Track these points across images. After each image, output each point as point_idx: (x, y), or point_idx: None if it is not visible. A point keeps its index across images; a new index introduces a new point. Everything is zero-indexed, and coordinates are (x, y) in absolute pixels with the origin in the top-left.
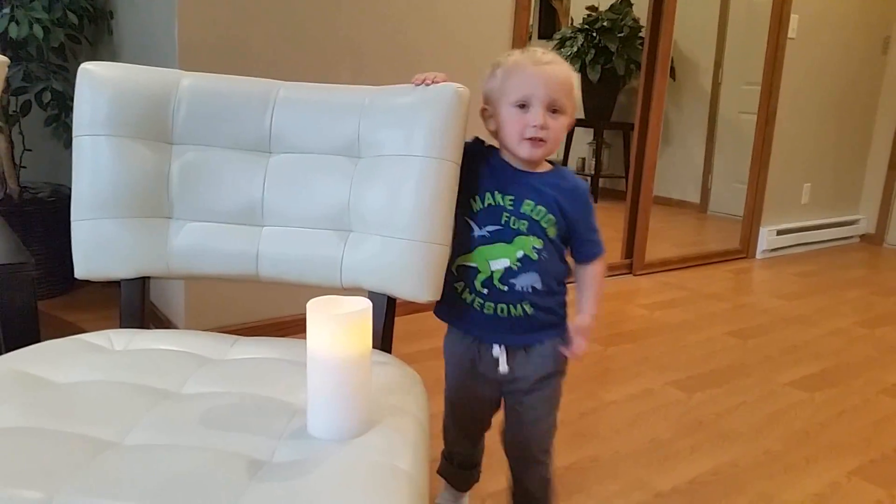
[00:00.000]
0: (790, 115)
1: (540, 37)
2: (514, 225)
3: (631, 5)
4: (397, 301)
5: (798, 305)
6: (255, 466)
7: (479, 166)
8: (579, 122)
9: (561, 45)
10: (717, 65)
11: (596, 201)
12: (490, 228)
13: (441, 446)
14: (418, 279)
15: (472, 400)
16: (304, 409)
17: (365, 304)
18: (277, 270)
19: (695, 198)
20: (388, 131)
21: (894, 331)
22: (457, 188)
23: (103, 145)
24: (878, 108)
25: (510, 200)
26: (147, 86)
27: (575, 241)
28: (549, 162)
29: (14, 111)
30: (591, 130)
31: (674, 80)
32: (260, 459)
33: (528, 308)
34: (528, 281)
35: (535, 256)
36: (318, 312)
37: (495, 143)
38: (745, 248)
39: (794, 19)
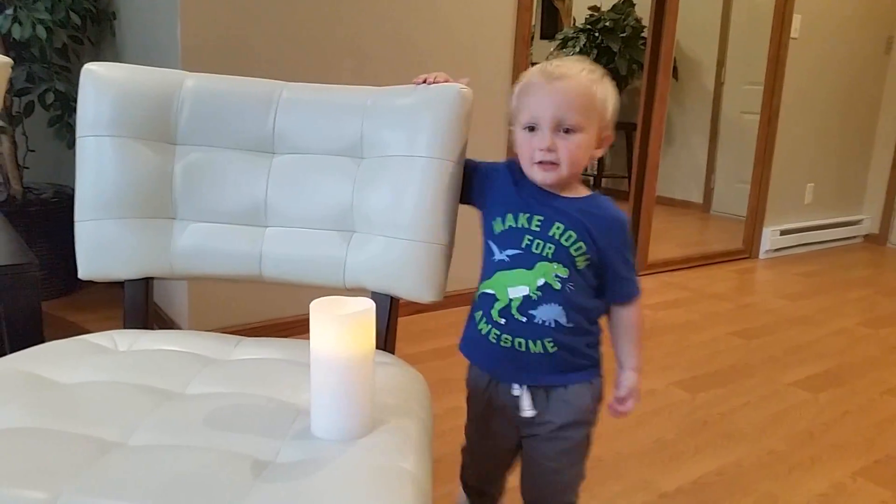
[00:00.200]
0: (793, 115)
1: (542, 37)
2: (536, 249)
3: (633, 5)
4: (400, 302)
5: (802, 306)
6: (259, 467)
7: (506, 186)
8: None
9: (563, 46)
10: (720, 65)
11: None
12: (510, 252)
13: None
14: (421, 279)
15: (488, 438)
16: (307, 410)
17: (368, 305)
18: (280, 271)
19: (698, 198)
20: (392, 132)
21: None
22: (460, 188)
23: (107, 146)
24: (881, 108)
25: (538, 221)
26: (150, 86)
27: (608, 278)
28: (588, 187)
29: (17, 112)
30: None
31: (676, 80)
32: (264, 460)
33: (549, 345)
34: (550, 314)
35: (557, 286)
36: (322, 313)
37: None
38: (749, 249)
39: (796, 19)
